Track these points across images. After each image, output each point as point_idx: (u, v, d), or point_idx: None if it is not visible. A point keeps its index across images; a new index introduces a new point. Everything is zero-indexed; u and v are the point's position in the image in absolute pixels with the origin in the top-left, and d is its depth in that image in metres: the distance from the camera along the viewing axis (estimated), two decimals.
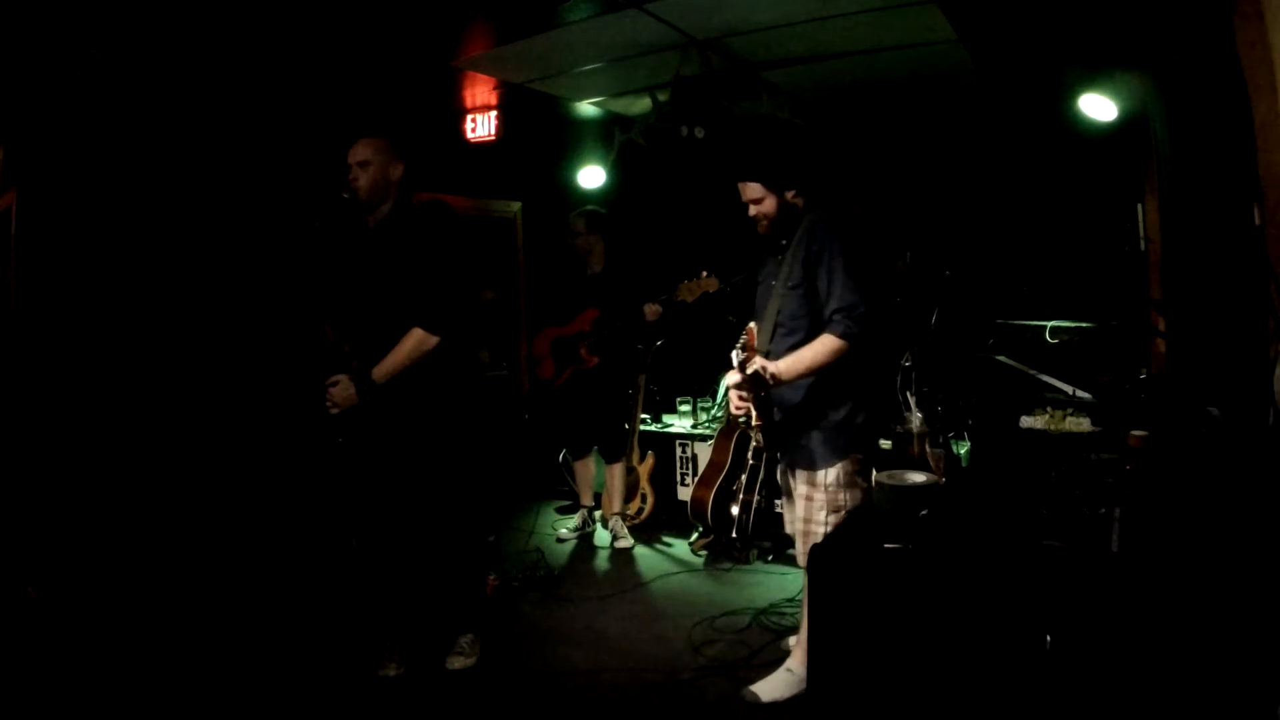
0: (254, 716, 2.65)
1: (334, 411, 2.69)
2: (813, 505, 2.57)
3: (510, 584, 3.70)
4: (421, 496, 2.83)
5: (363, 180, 2.70)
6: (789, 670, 2.69)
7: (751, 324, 2.52)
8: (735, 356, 2.39)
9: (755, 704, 2.62)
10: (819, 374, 2.49)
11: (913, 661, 1.53)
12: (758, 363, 2.39)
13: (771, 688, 2.67)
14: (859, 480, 2.57)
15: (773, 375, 2.39)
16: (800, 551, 2.64)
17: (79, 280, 3.60)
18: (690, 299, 4.04)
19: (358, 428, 2.77)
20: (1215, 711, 1.36)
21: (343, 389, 2.66)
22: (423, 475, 2.80)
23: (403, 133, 2.81)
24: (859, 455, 2.58)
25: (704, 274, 3.98)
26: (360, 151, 2.71)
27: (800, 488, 2.62)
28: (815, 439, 2.57)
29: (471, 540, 3.12)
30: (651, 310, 4.10)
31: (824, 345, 2.42)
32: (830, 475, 2.55)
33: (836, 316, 2.43)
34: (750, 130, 4.30)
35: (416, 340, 2.66)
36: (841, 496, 2.54)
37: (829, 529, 2.52)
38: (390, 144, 2.76)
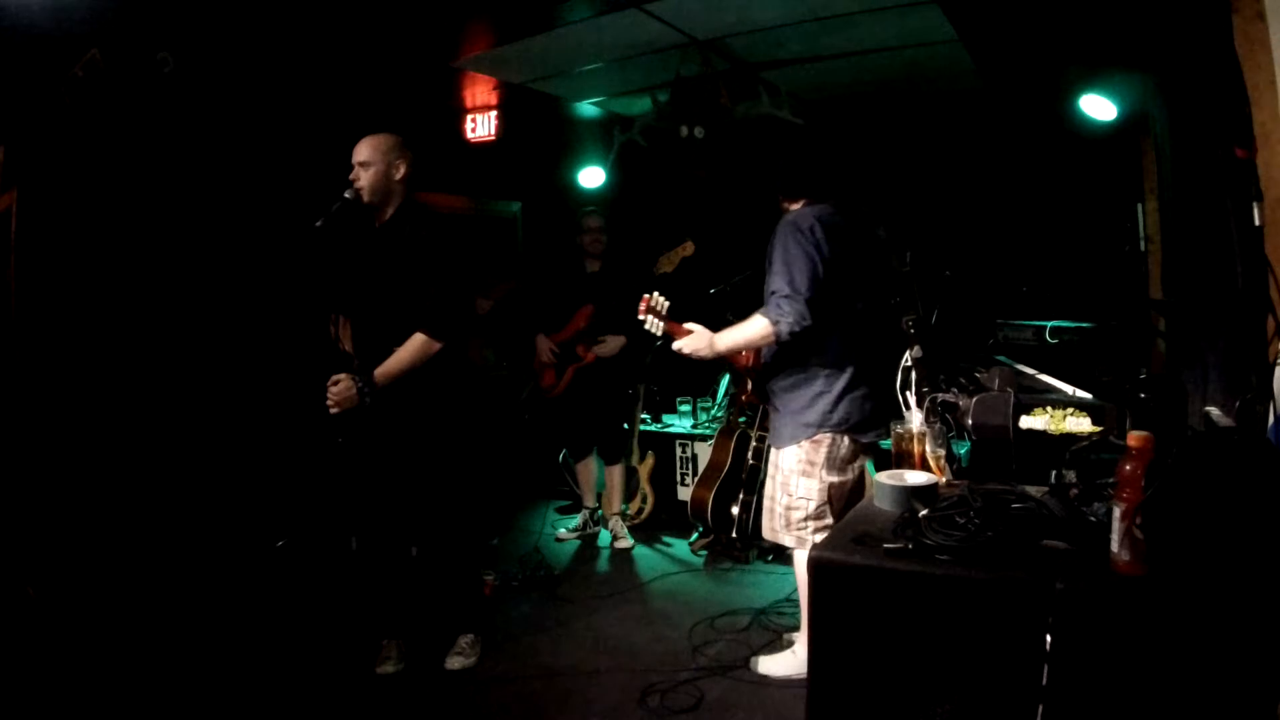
0: (253, 714, 2.66)
1: (334, 411, 2.69)
2: (775, 483, 2.73)
3: (510, 584, 3.70)
4: (420, 497, 2.83)
5: (364, 180, 2.69)
6: (794, 653, 2.81)
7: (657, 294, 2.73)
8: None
9: (756, 680, 2.77)
10: (777, 357, 2.67)
11: (912, 663, 1.53)
12: (679, 344, 2.68)
13: (774, 665, 2.81)
14: (813, 470, 2.63)
15: (709, 343, 2.62)
16: (765, 526, 2.79)
17: (79, 280, 3.60)
18: (670, 269, 4.05)
19: (358, 428, 2.77)
20: (1215, 711, 1.36)
21: (343, 389, 2.66)
22: (422, 476, 2.80)
23: (403, 133, 2.81)
24: (817, 444, 2.62)
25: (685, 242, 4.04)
26: (362, 151, 2.71)
27: (771, 466, 2.77)
28: (778, 419, 2.73)
29: (470, 540, 3.12)
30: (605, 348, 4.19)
31: (751, 323, 2.56)
32: (787, 458, 2.67)
33: (768, 300, 2.55)
34: (746, 136, 4.34)
35: (420, 345, 2.66)
36: (793, 481, 2.65)
37: (782, 510, 2.68)
38: (395, 142, 2.74)
